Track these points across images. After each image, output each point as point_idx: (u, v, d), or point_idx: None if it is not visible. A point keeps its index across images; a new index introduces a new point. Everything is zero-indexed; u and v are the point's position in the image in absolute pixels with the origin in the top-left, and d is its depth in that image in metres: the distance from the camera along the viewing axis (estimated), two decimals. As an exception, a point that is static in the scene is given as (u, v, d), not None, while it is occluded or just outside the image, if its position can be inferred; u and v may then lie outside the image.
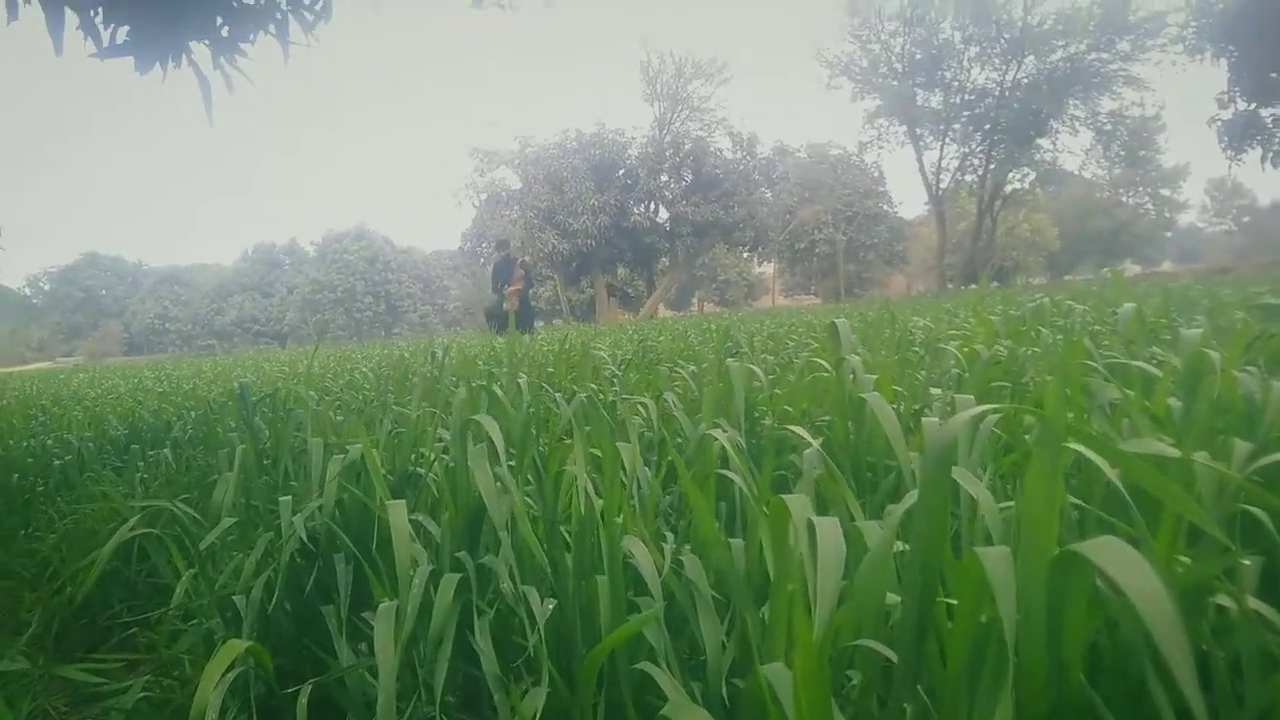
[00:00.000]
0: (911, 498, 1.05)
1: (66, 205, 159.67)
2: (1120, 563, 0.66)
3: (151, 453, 3.97)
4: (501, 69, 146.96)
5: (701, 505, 1.39)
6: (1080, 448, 0.80)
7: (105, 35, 5.46)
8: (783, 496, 1.03)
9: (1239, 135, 30.29)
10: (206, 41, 5.97)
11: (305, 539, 1.80)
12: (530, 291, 15.58)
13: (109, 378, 12.97)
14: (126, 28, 5.58)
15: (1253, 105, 29.88)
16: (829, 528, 0.89)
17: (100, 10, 5.38)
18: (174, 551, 2.27)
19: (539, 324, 22.91)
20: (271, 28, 6.09)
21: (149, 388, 8.71)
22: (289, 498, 1.90)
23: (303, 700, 1.44)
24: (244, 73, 6.16)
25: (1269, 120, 30.02)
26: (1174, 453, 0.88)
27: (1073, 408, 1.62)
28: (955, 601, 0.92)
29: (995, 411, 1.02)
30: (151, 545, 2.43)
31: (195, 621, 2.12)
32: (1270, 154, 30.00)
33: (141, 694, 1.89)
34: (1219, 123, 30.74)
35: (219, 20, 5.93)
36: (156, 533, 2.28)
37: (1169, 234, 70.53)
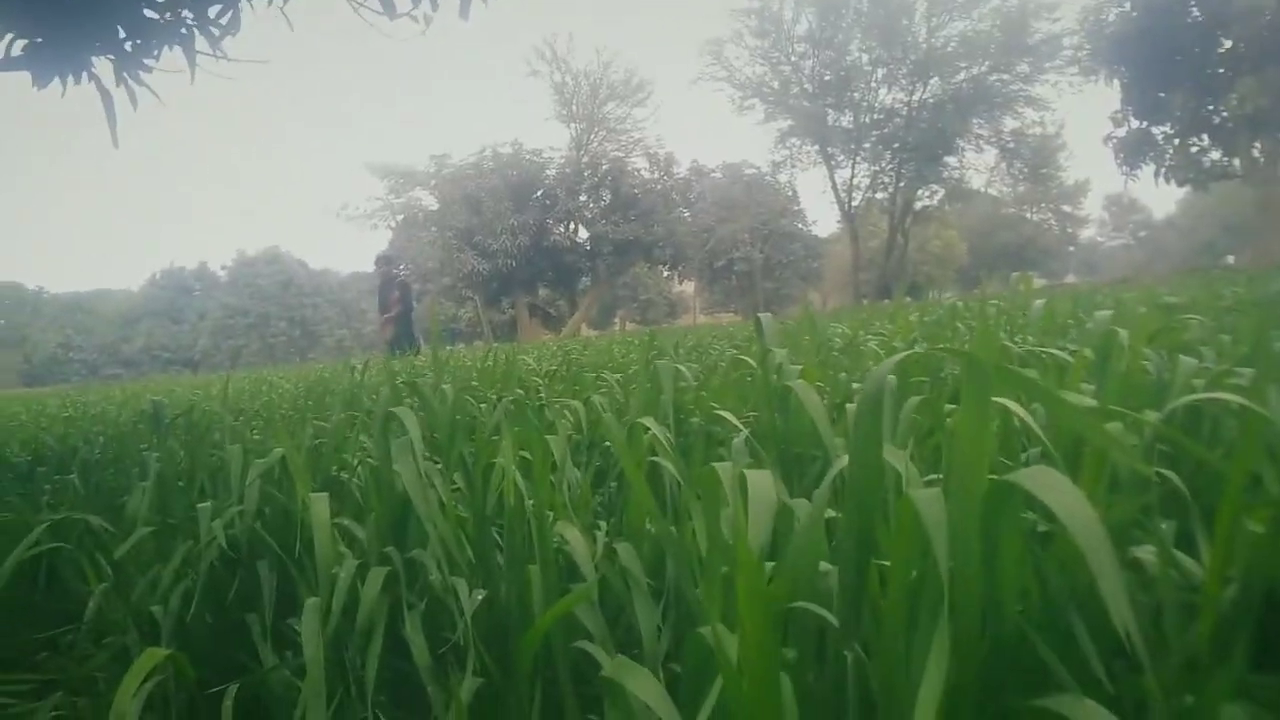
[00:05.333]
0: (842, 463, 1.07)
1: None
2: (1054, 490, 0.68)
3: (58, 477, 3.81)
4: (413, 87, 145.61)
5: (638, 482, 1.39)
6: (1009, 403, 0.83)
7: (0, 47, 5.27)
8: (713, 465, 1.04)
9: (1133, 152, 31.61)
10: (110, 56, 5.79)
11: (225, 546, 1.75)
12: (412, 313, 14.01)
13: (9, 406, 12.42)
14: (23, 40, 5.39)
15: (1144, 124, 31.23)
16: (760, 479, 0.91)
17: (-4, 22, 5.19)
18: (86, 568, 2.18)
19: (458, 345, 22.21)
20: (177, 42, 5.93)
21: (53, 414, 8.37)
22: (207, 504, 1.84)
23: (227, 704, 1.39)
24: (150, 88, 5.99)
25: (1160, 137, 31.41)
26: (1091, 402, 0.91)
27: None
28: (889, 563, 0.94)
29: (916, 353, 1.04)
30: (62, 564, 2.33)
31: (110, 640, 2.04)
32: (1162, 170, 31.35)
33: (52, 713, 1.81)
34: (1114, 140, 32.04)
35: (121, 33, 5.76)
36: (64, 546, 2.19)
37: (1071, 248, 73.09)
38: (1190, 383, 1.49)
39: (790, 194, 53.06)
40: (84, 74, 5.66)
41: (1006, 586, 0.79)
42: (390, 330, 13.18)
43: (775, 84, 44.57)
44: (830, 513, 1.13)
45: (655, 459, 1.80)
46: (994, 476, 0.76)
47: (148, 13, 5.67)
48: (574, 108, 47.18)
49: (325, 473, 2.07)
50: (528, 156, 44.88)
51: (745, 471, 0.94)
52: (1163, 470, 1.05)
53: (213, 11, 5.68)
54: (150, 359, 70.53)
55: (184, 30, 5.95)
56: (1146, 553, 1.00)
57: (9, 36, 5.30)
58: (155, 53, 5.93)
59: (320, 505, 1.46)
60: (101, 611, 2.01)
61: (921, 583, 0.81)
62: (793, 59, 43.87)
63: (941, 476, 1.16)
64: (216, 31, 6.05)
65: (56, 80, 5.56)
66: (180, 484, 2.39)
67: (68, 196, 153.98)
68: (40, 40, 5.39)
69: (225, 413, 3.25)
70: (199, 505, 1.85)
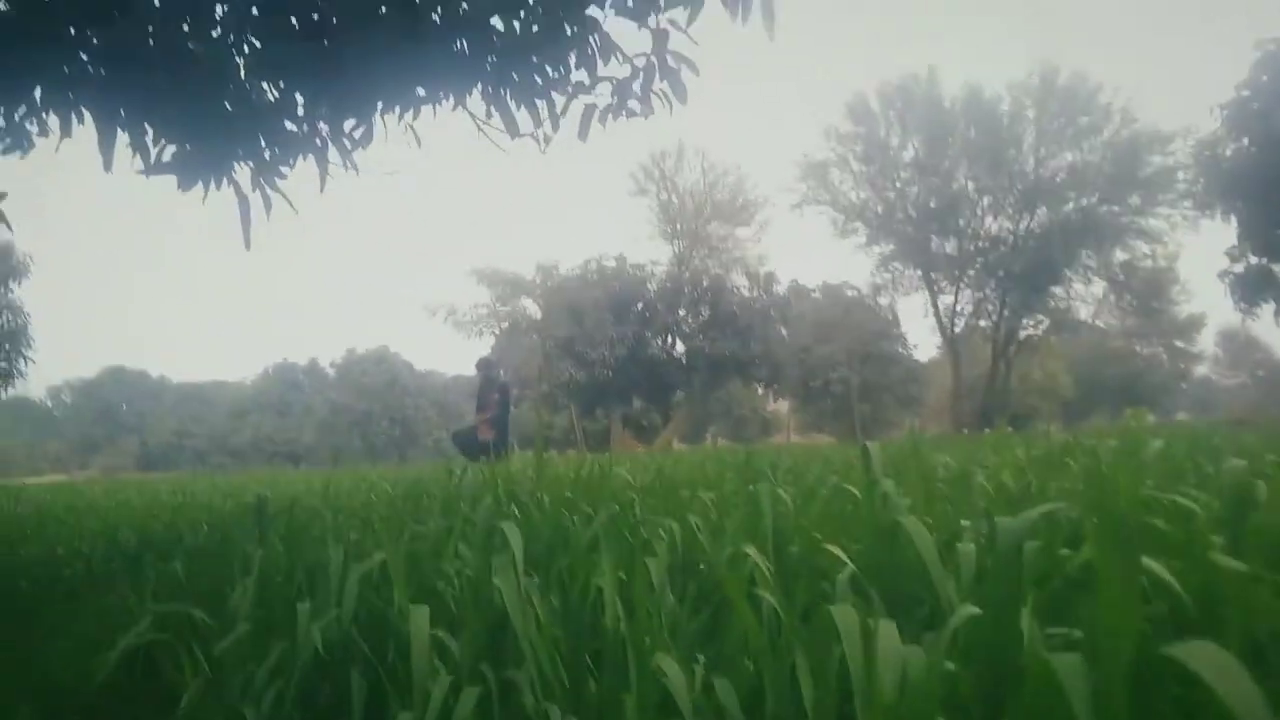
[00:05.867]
0: (959, 617, 1.02)
1: (91, 316, 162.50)
2: (1214, 666, 0.62)
3: (162, 564, 3.92)
4: (526, 198, 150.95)
5: (745, 614, 1.33)
6: (1152, 564, 0.77)
7: (153, 152, 5.65)
8: (830, 606, 0.99)
9: (1251, 289, 30.60)
10: (249, 163, 6.16)
11: (320, 649, 1.75)
12: (509, 416, 14.22)
13: (123, 491, 12.92)
14: (173, 146, 5.78)
15: (1263, 260, 30.27)
16: (888, 630, 0.86)
17: (151, 130, 5.58)
18: (185, 661, 2.21)
19: (552, 452, 22.28)
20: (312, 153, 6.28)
21: (164, 501, 8.67)
22: (306, 604, 1.85)
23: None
24: (284, 195, 6.33)
25: (1280, 275, 30.40)
26: (1239, 565, 0.84)
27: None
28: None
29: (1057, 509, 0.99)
30: (161, 654, 2.36)
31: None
32: (1283, 309, 30.25)
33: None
34: (1230, 276, 31.09)
35: (261, 143, 6.14)
36: (164, 638, 2.22)
37: (1184, 385, 70.44)
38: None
39: (891, 317, 52.76)
40: (224, 179, 6.03)
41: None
42: (487, 430, 13.45)
43: (879, 208, 44.79)
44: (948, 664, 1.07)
45: (754, 589, 1.74)
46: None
47: (288, 125, 6.04)
48: (678, 225, 48.20)
49: (422, 580, 2.06)
50: (631, 270, 45.82)
51: (872, 621, 0.89)
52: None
53: (347, 125, 6.02)
54: (256, 450, 72.87)
55: (319, 142, 6.31)
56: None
57: (162, 143, 5.69)
58: (291, 162, 6.29)
59: (420, 618, 1.45)
60: (194, 707, 2.02)
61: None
62: (898, 185, 44.13)
63: (1072, 635, 1.08)
64: (349, 144, 6.40)
65: (199, 185, 5.93)
66: (279, 580, 2.42)
67: (197, 290, 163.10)
68: (189, 147, 5.79)
69: (326, 510, 3.30)
70: (299, 605, 1.86)
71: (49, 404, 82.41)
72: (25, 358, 32.85)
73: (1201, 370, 75.80)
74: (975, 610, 0.92)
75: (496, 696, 1.49)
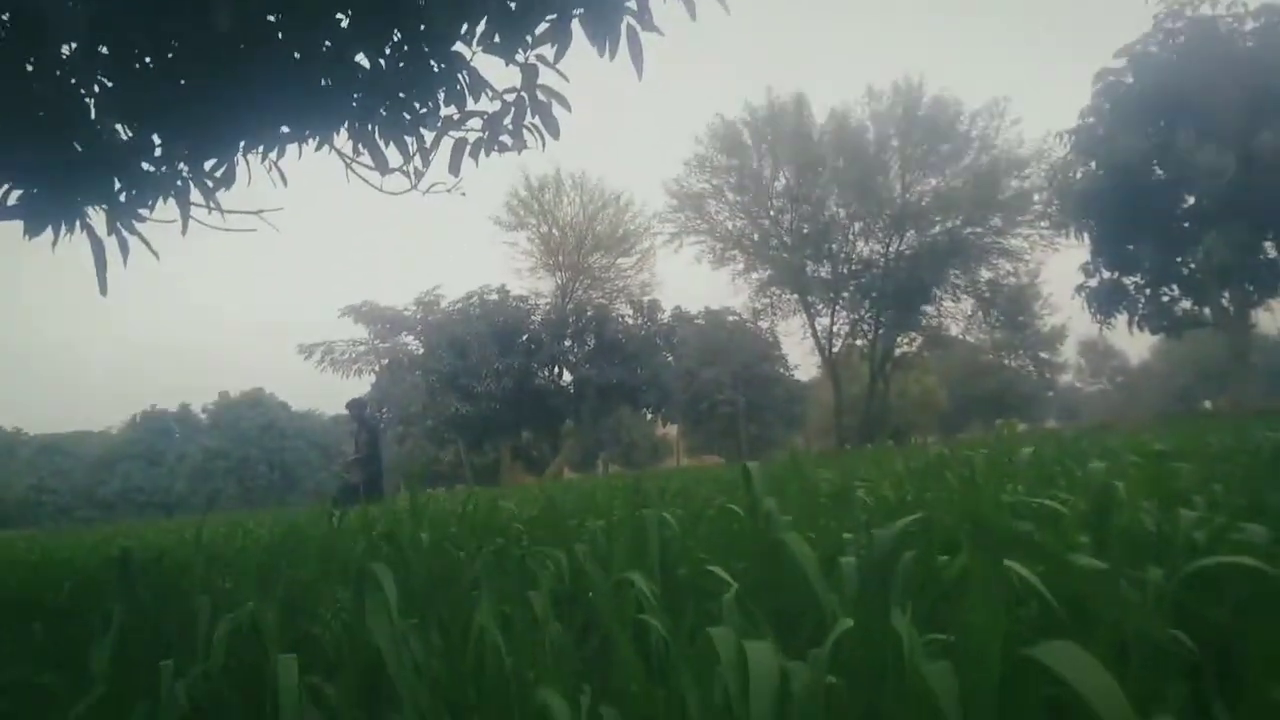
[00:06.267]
0: (842, 626, 1.03)
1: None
2: (1074, 665, 0.64)
3: (19, 627, 3.66)
4: (401, 234, 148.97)
5: (625, 646, 1.32)
6: (1017, 566, 0.79)
7: (-3, 196, 5.33)
8: (709, 630, 0.99)
9: (1105, 302, 32.41)
10: (103, 206, 5.88)
11: (187, 706, 1.65)
12: (380, 455, 13.88)
13: (-27, 553, 12.08)
14: (18, 191, 5.47)
15: (1115, 274, 32.14)
16: (761, 652, 0.86)
17: (-8, 171, 5.27)
18: (36, 732, 2.06)
19: (439, 488, 21.80)
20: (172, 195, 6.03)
21: (19, 559, 8.13)
22: (169, 662, 1.75)
23: None
24: (143, 238, 6.06)
25: (1131, 287, 32.27)
26: (1098, 564, 0.87)
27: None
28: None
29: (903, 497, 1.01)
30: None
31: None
32: (1135, 318, 32.10)
33: None
34: (1086, 290, 32.88)
35: (116, 184, 5.87)
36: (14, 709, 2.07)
37: (1050, 393, 73.83)
38: (1191, 535, 1.45)
39: (771, 340, 53.93)
40: (76, 223, 5.73)
41: (1025, 767, 0.74)
42: (358, 472, 13.23)
43: (755, 236, 45.85)
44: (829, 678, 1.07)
45: (642, 615, 1.73)
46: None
47: (145, 165, 5.78)
48: (559, 257, 48.23)
49: (298, 629, 1.98)
50: (514, 302, 45.56)
51: (746, 644, 0.89)
52: (1177, 633, 1.01)
53: (208, 165, 5.80)
54: (126, 502, 69.27)
55: (179, 183, 6.06)
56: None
57: (5, 187, 5.38)
58: (150, 203, 6.02)
59: (289, 669, 1.38)
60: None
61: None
62: (771, 213, 45.26)
63: (949, 641, 1.11)
64: (210, 184, 6.17)
65: (48, 230, 5.63)
66: (146, 638, 2.28)
67: (50, 337, 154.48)
68: (35, 190, 5.48)
69: (197, 560, 3.15)
70: (161, 664, 1.76)
71: (-113, 465, 76.58)
72: None
73: (1066, 379, 79.77)
74: (850, 622, 0.93)
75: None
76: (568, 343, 45.32)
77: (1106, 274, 32.32)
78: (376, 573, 1.56)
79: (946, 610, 1.80)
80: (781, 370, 54.88)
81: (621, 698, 1.53)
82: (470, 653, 1.64)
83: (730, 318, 53.28)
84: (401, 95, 5.28)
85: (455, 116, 5.40)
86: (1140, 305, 32.17)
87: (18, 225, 5.49)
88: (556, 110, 5.31)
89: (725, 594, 1.85)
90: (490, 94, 5.35)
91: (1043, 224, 40.16)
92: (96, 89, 5.27)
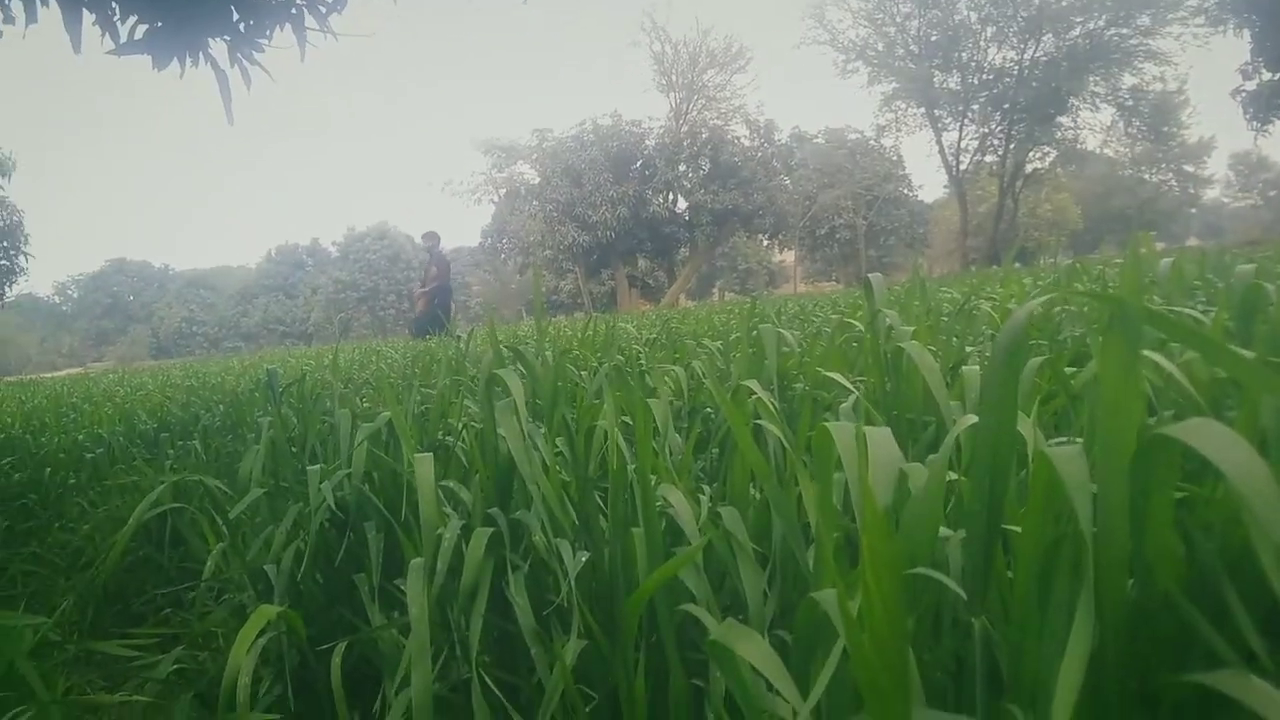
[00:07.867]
0: (964, 424, 1.01)
1: (92, 211, 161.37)
2: (1216, 442, 0.61)
3: (180, 443, 3.98)
4: (517, 61, 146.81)
5: (745, 442, 1.33)
6: (1154, 356, 0.75)
7: (123, 31, 5.46)
8: (825, 424, 0.98)
9: (1264, 106, 29.79)
10: (225, 38, 5.96)
11: (334, 507, 1.78)
12: (449, 293, 13.61)
13: (138, 378, 13.06)
14: (144, 25, 5.58)
15: (1277, 75, 29.36)
16: (881, 437, 0.85)
17: (116, 6, 5.37)
18: (205, 528, 2.26)
19: (559, 317, 22.00)
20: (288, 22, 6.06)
21: (177, 383, 8.76)
22: (317, 467, 1.87)
23: (336, 660, 1.41)
24: (264, 68, 6.15)
25: (1294, 90, 29.54)
26: (1248, 354, 0.82)
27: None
28: (1018, 529, 0.88)
29: (1035, 314, 0.97)
30: (183, 526, 2.42)
31: (227, 597, 2.10)
32: (1298, 124, 29.55)
33: (175, 665, 1.88)
34: (1243, 94, 30.23)
35: (235, 15, 5.92)
36: (185, 507, 2.27)
37: (1193, 210, 69.60)
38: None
39: (895, 159, 51.89)
40: (200, 56, 5.84)
41: (1156, 550, 0.72)
42: (424, 303, 13.15)
43: (880, 46, 43.40)
44: (950, 476, 1.07)
45: (759, 423, 1.75)
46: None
47: (260, -6, 5.80)
48: (673, 77, 46.85)
49: (431, 437, 2.08)
50: (627, 127, 44.80)
51: (865, 429, 0.88)
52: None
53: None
54: (267, 332, 73.31)
55: (294, 10, 6.08)
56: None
57: (131, 20, 5.49)
58: (268, 32, 6.08)
59: (425, 466, 1.46)
60: (219, 570, 2.07)
61: (1057, 548, 0.75)
62: (898, 19, 42.62)
63: (1070, 439, 1.08)
64: (324, 9, 6.17)
65: (175, 63, 5.75)
66: (292, 449, 2.45)
67: (191, 178, 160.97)
68: (160, 24, 5.58)
69: (336, 381, 3.31)
70: (309, 468, 1.88)
71: (57, 300, 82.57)
72: (24, 254, 32.79)
73: (1212, 194, 74.77)
74: (974, 418, 0.91)
75: (508, 538, 1.52)
76: (682, 168, 44.57)
77: (1267, 75, 29.52)
78: (504, 379, 1.61)
79: (1072, 419, 1.76)
80: (905, 190, 52.94)
81: (740, 500, 1.57)
82: (594, 456, 1.70)
83: (852, 136, 51.34)
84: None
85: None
86: (1304, 109, 29.51)
87: (149, 64, 5.64)
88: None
89: (843, 404, 1.86)
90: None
91: (1198, 20, 36.48)
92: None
